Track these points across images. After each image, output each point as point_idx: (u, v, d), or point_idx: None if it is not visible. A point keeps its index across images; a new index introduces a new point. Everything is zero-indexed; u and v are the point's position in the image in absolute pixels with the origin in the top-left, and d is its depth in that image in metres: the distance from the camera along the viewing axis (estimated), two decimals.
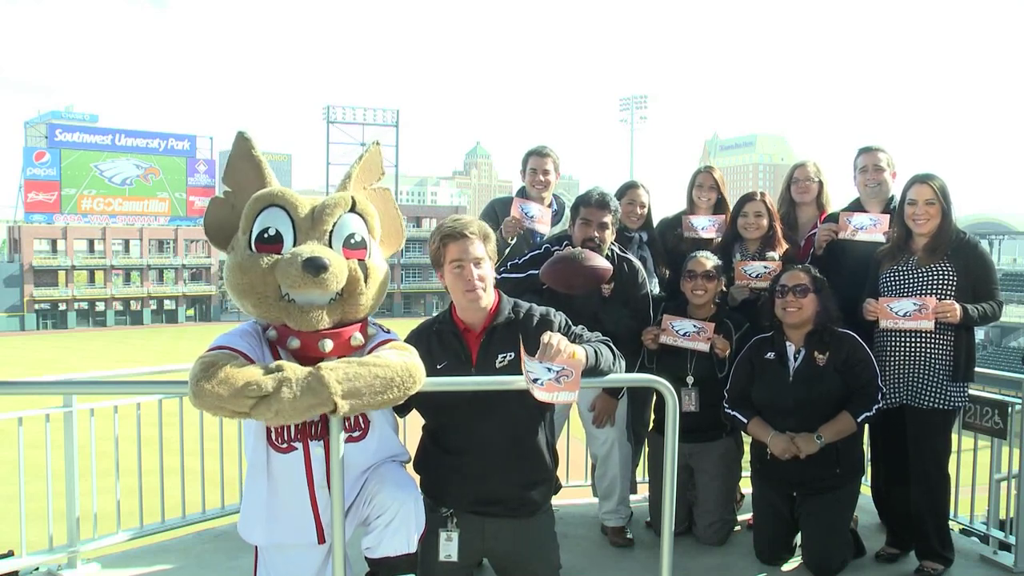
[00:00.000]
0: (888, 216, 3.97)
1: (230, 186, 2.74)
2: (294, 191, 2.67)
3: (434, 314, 3.25)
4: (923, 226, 3.68)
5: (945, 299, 3.58)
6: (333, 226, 2.59)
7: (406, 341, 3.03)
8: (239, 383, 2.30)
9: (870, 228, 3.95)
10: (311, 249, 2.48)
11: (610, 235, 3.91)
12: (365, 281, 2.59)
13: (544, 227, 4.48)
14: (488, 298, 2.97)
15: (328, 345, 2.52)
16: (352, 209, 2.63)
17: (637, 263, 4.07)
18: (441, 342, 3.04)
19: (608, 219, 3.87)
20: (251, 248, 2.57)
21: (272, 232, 2.56)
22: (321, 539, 2.69)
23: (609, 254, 3.89)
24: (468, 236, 2.91)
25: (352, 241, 2.61)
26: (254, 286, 2.52)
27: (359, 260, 2.60)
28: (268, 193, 2.64)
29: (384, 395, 2.42)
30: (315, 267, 2.42)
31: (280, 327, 2.58)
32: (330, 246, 2.57)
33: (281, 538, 2.73)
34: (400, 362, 2.48)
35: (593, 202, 3.88)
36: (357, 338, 2.60)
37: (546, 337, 2.63)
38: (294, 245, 2.54)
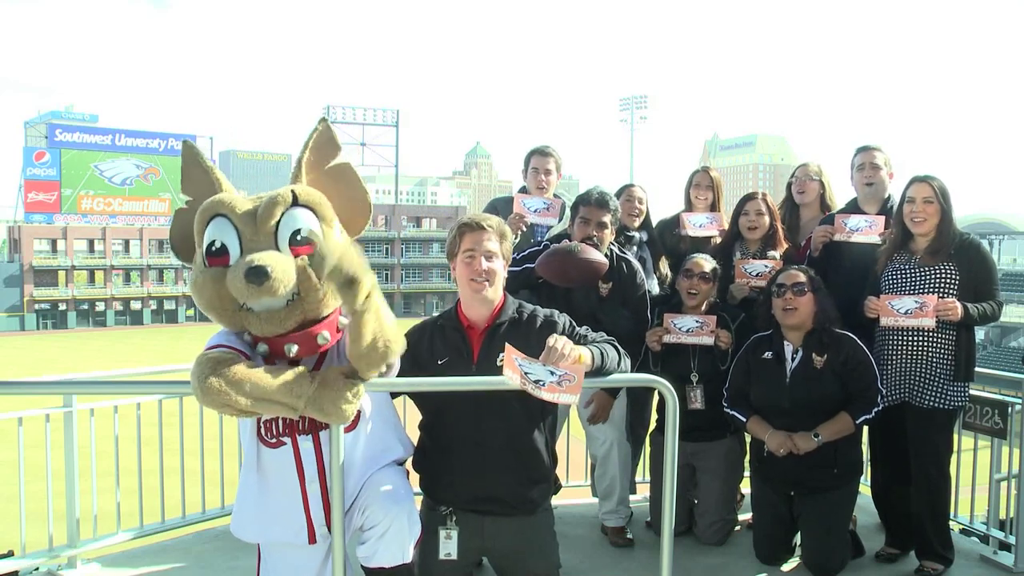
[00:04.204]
0: (884, 218, 3.97)
1: (189, 195, 2.72)
2: (236, 196, 2.61)
3: (434, 313, 3.26)
4: (921, 225, 3.67)
5: (946, 298, 3.58)
6: (277, 225, 2.51)
7: (406, 335, 3.04)
8: (273, 394, 2.36)
9: (866, 230, 3.95)
10: (251, 259, 2.41)
11: (609, 234, 3.92)
12: (319, 275, 2.51)
13: (551, 219, 4.47)
14: (494, 293, 2.98)
15: (294, 350, 2.50)
16: (295, 203, 2.55)
17: (636, 263, 4.07)
18: (443, 337, 3.04)
19: (607, 218, 3.88)
20: (204, 263, 2.54)
21: (218, 245, 2.51)
22: (312, 538, 2.68)
23: (608, 253, 3.89)
24: (485, 229, 2.94)
25: (298, 238, 2.53)
26: (211, 302, 2.52)
27: (309, 255, 2.51)
28: (210, 203, 2.58)
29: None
30: (257, 275, 2.36)
31: (250, 333, 2.58)
32: (277, 246, 2.50)
33: (272, 536, 2.73)
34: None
35: (592, 201, 3.89)
36: (324, 336, 2.56)
37: (551, 340, 2.63)
38: (241, 253, 2.49)
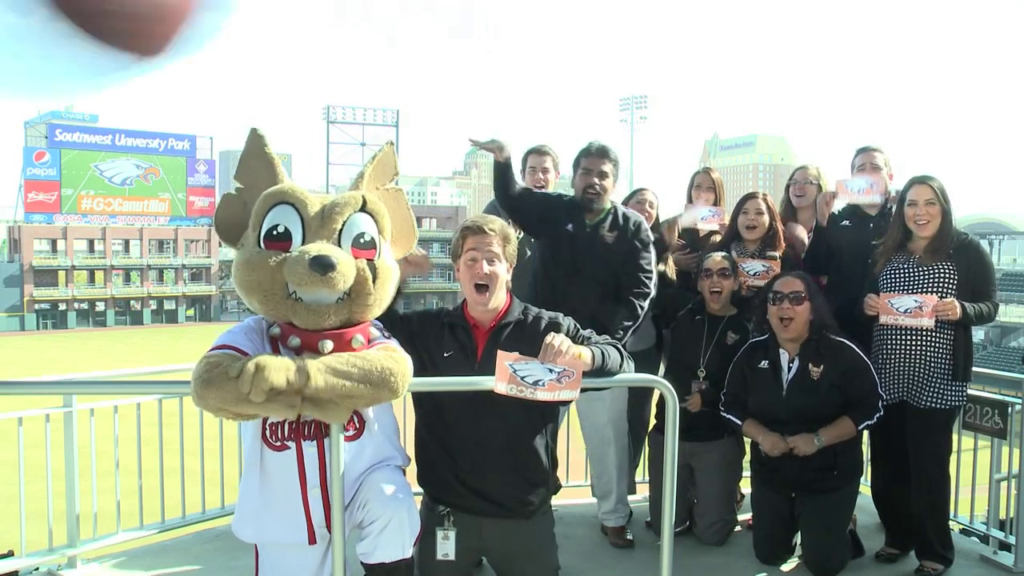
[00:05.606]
0: (884, 179, 3.98)
1: (242, 183, 2.74)
2: (305, 189, 2.67)
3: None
4: (925, 228, 3.67)
5: (945, 298, 3.58)
6: (343, 225, 2.57)
7: (417, 315, 3.09)
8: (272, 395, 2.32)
9: (867, 190, 3.98)
10: (319, 248, 2.47)
11: (611, 184, 3.94)
12: (374, 281, 2.57)
13: None
14: (497, 299, 2.99)
15: (328, 346, 2.51)
16: (363, 208, 2.62)
17: (640, 219, 4.03)
18: (451, 332, 3.06)
19: (608, 168, 3.91)
20: (260, 245, 2.56)
21: (281, 229, 2.55)
22: (312, 539, 2.69)
23: (613, 209, 3.94)
24: (487, 232, 2.95)
25: (362, 240, 2.60)
26: (261, 283, 2.51)
27: (368, 260, 2.59)
28: (279, 190, 2.62)
29: (358, 387, 2.41)
30: (322, 266, 2.41)
31: (284, 325, 2.58)
32: (339, 245, 2.55)
33: (271, 536, 2.74)
34: (379, 359, 2.48)
35: (593, 151, 3.94)
36: (359, 340, 2.58)
37: (548, 338, 2.64)
38: (303, 243, 2.52)
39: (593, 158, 3.93)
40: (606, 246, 3.90)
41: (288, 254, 2.49)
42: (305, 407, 2.40)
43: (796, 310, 3.70)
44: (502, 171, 3.92)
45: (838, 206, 4.09)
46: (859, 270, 3.88)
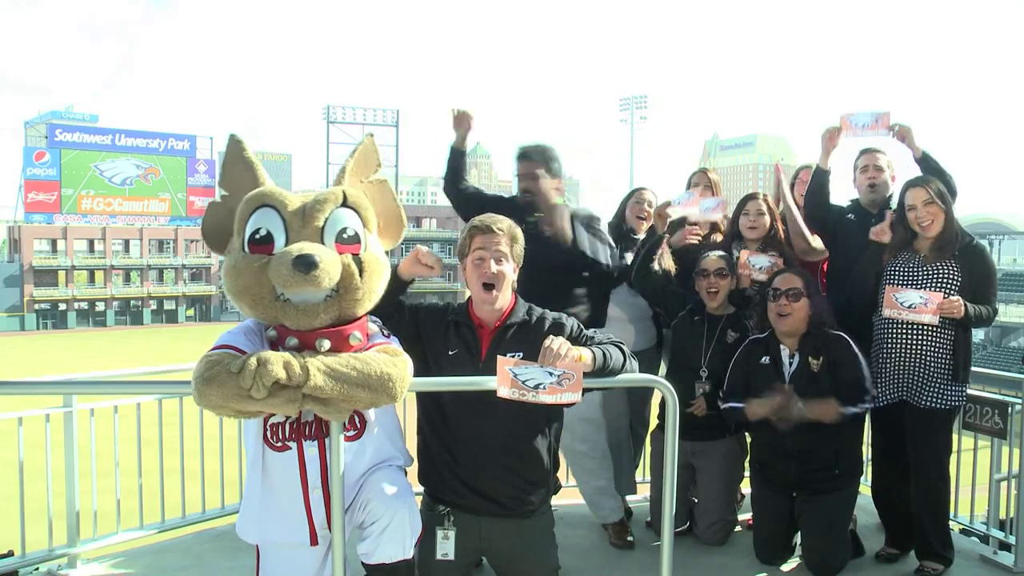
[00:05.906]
0: (889, 113, 3.97)
1: (227, 189, 2.74)
2: (284, 189, 2.66)
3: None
4: (929, 228, 3.66)
5: (950, 296, 3.57)
6: (325, 222, 2.56)
7: (424, 308, 3.07)
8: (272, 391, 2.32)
9: (872, 125, 3.96)
10: (301, 247, 2.45)
11: (549, 183, 3.92)
12: (360, 275, 2.56)
13: None
14: (503, 299, 2.99)
15: (326, 344, 2.50)
16: (344, 203, 2.61)
17: (591, 212, 4.05)
18: (456, 330, 3.06)
19: (539, 170, 3.91)
20: (244, 250, 2.55)
21: (263, 232, 2.54)
22: (314, 540, 2.69)
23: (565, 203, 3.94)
24: (495, 231, 2.94)
25: (345, 235, 2.58)
26: (248, 288, 2.51)
27: (353, 255, 2.58)
28: (258, 194, 2.62)
29: (356, 390, 2.40)
30: (305, 264, 2.40)
31: (279, 327, 2.57)
32: (323, 242, 2.54)
33: (274, 536, 2.74)
34: (379, 363, 2.46)
35: (523, 155, 3.94)
36: (356, 337, 2.58)
37: (547, 341, 2.64)
38: (286, 244, 2.51)
39: (524, 162, 3.95)
40: (550, 240, 3.85)
41: (272, 256, 2.49)
42: (307, 403, 2.40)
43: (794, 307, 3.70)
44: (456, 159, 3.95)
45: (842, 142, 4.03)
46: (860, 271, 3.88)
